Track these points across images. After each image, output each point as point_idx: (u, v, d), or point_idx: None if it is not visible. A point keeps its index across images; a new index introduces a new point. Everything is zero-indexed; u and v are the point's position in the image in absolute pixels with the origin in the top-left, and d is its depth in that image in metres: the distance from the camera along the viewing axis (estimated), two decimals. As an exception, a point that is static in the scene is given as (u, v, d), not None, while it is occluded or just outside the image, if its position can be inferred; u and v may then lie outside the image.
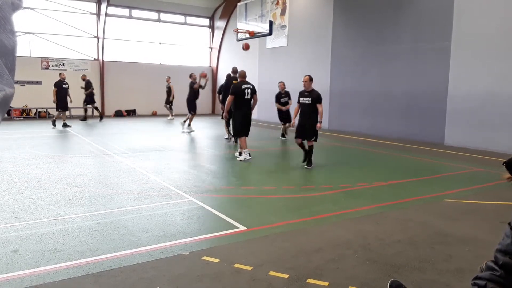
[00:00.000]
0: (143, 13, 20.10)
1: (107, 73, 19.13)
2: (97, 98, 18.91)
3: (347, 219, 4.61)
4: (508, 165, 1.89)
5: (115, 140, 10.92)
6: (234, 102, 8.14)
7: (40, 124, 15.04)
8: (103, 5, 18.31)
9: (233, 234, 4.06)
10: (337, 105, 14.48)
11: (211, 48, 22.41)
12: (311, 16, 15.61)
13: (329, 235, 4.05)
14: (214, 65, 22.15)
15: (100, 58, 18.97)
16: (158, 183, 6.04)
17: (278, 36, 17.04)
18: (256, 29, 12.95)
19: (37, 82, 17.56)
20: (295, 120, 7.87)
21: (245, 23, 13.53)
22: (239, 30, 13.30)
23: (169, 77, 17.35)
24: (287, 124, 11.37)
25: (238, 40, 14.07)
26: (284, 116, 11.48)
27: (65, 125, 13.59)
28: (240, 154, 8.30)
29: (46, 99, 16.91)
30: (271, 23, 12.53)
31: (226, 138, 11.10)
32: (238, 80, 8.48)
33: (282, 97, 11.55)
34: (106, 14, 18.45)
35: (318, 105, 7.28)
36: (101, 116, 16.77)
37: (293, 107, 9.14)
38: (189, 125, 12.99)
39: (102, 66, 18.97)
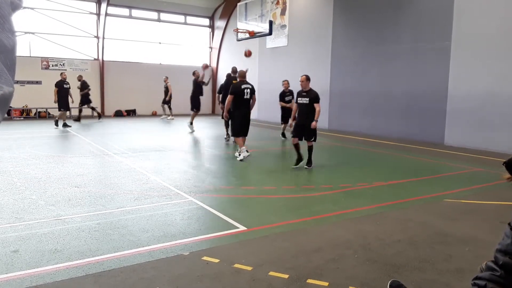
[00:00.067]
0: (143, 13, 20.10)
1: (107, 73, 19.13)
2: (97, 98, 18.95)
3: (347, 219, 4.61)
4: (508, 165, 1.89)
5: (115, 140, 10.92)
6: (233, 102, 8.16)
7: (40, 124, 15.04)
8: (103, 5, 18.31)
9: (233, 234, 4.06)
10: (337, 105, 14.48)
11: (211, 48, 22.41)
12: (311, 16, 15.61)
13: (329, 235, 4.05)
14: (214, 65, 22.14)
15: (100, 58, 18.96)
16: (158, 183, 6.04)
17: (278, 36, 17.04)
18: (256, 29, 12.94)
19: (37, 82, 17.56)
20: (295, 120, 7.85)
21: (245, 23, 13.53)
22: (239, 30, 13.30)
23: (167, 77, 17.37)
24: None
25: (238, 40, 14.07)
26: (287, 116, 11.48)
27: (65, 125, 13.59)
28: (239, 154, 8.32)
29: (46, 99, 16.92)
30: (271, 23, 12.52)
31: (225, 138, 11.10)
32: (238, 80, 8.50)
33: (286, 95, 11.55)
34: (106, 14, 18.44)
35: (315, 105, 7.25)
36: (99, 115, 16.81)
37: None
38: (191, 123, 12.95)
39: (102, 66, 18.97)
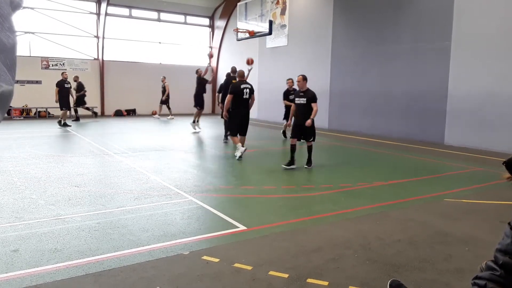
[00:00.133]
0: (143, 12, 20.09)
1: (107, 73, 19.12)
2: (97, 97, 18.97)
3: (347, 218, 4.61)
4: (508, 165, 1.89)
5: (115, 139, 10.92)
6: (233, 101, 8.21)
7: (40, 123, 15.04)
8: (103, 5, 18.30)
9: (233, 233, 4.06)
10: (337, 105, 14.48)
11: (211, 47, 22.39)
12: (311, 16, 15.61)
13: (329, 235, 4.05)
14: (214, 64, 22.13)
15: (100, 57, 18.96)
16: (158, 183, 6.04)
17: (278, 36, 17.04)
18: (256, 29, 12.94)
19: (37, 82, 17.56)
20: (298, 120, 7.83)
21: (245, 23, 13.53)
22: (239, 30, 13.30)
23: (165, 77, 17.35)
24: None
25: (238, 40, 14.07)
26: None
27: (65, 124, 13.60)
28: (239, 152, 8.34)
29: (46, 99, 16.92)
30: (271, 22, 12.52)
31: (224, 141, 11.08)
32: (237, 79, 8.53)
33: (290, 94, 11.52)
34: (106, 14, 18.44)
35: (313, 104, 7.22)
36: (95, 114, 16.89)
37: None
38: (193, 121, 12.91)
39: (102, 66, 18.97)
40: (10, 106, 16.07)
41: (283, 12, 17.00)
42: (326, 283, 3.02)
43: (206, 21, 22.21)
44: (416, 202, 5.37)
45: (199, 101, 12.75)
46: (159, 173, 6.71)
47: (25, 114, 17.55)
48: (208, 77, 12.80)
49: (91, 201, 5.04)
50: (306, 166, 7.44)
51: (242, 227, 4.20)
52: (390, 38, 12.39)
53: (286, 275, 3.12)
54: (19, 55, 0.68)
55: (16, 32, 0.66)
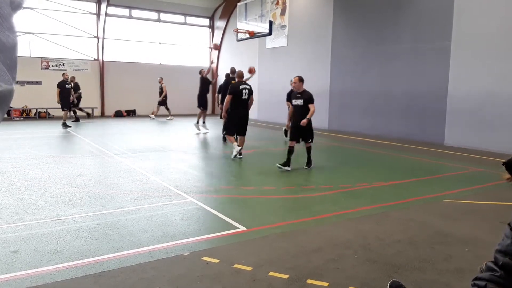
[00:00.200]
0: (143, 13, 20.10)
1: (107, 73, 19.13)
2: (97, 98, 18.98)
3: (347, 219, 4.61)
4: (508, 166, 1.88)
5: (114, 140, 10.92)
6: (232, 102, 8.23)
7: (40, 124, 15.04)
8: (103, 5, 18.31)
9: (233, 234, 4.06)
10: (337, 105, 14.48)
11: (211, 48, 22.40)
12: (311, 16, 15.62)
13: (329, 235, 4.05)
14: (214, 65, 22.14)
15: (100, 58, 18.97)
16: (158, 184, 6.04)
17: (278, 36, 17.04)
18: (256, 29, 12.94)
19: (37, 82, 17.56)
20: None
21: (245, 23, 13.53)
22: (239, 30, 13.30)
23: (162, 78, 17.32)
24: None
25: (238, 40, 14.08)
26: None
27: (65, 125, 13.61)
28: (240, 154, 8.36)
29: (46, 99, 16.92)
30: (271, 23, 12.53)
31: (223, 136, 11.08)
32: (236, 80, 8.56)
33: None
34: (106, 14, 18.45)
35: (310, 105, 7.18)
36: (88, 114, 16.96)
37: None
38: (197, 122, 12.91)
39: (102, 66, 18.97)
40: (10, 107, 16.04)
41: (283, 13, 17.00)
42: (326, 283, 3.02)
43: (206, 21, 22.22)
44: (416, 202, 5.37)
45: (202, 102, 12.73)
46: (159, 174, 6.71)
47: (25, 114, 17.56)
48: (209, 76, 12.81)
49: (91, 202, 5.04)
50: (306, 167, 7.44)
51: (242, 228, 4.20)
52: (390, 38, 12.40)
53: (286, 276, 3.12)
54: (19, 55, 0.68)
55: (16, 32, 0.66)
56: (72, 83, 15.50)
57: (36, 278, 3.04)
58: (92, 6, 18.92)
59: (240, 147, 8.24)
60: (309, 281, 3.05)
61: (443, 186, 6.32)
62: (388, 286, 2.81)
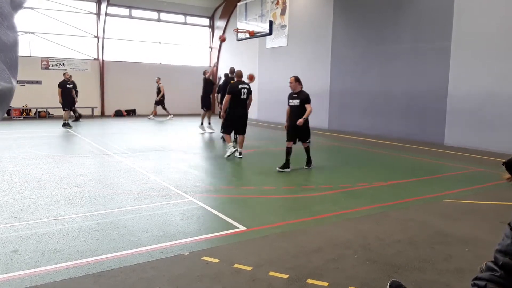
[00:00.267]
0: (143, 12, 20.10)
1: (107, 73, 19.13)
2: (97, 98, 18.97)
3: (347, 219, 4.61)
4: (508, 165, 1.88)
5: (115, 140, 10.92)
6: (230, 101, 8.25)
7: (40, 124, 15.04)
8: (103, 5, 18.31)
9: (233, 234, 4.06)
10: (337, 105, 14.47)
11: (211, 48, 22.41)
12: (311, 16, 15.62)
13: (329, 235, 4.05)
14: (215, 68, 22.14)
15: (100, 57, 18.96)
16: (158, 183, 6.04)
17: (278, 36, 17.04)
18: (256, 29, 12.94)
19: (37, 82, 17.56)
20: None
21: (245, 23, 13.53)
22: (239, 30, 13.30)
23: (159, 78, 17.29)
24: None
25: (238, 40, 14.07)
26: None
27: (65, 124, 13.61)
28: (240, 153, 8.37)
29: (46, 99, 16.93)
30: (271, 23, 12.52)
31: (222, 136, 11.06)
32: (235, 79, 8.58)
33: None
34: (106, 14, 18.44)
35: (306, 105, 7.12)
36: (79, 116, 16.94)
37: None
38: (201, 124, 12.91)
39: (102, 66, 18.97)
40: (10, 106, 16.07)
41: (283, 13, 17.00)
42: (326, 283, 3.02)
43: (206, 21, 22.21)
44: (416, 202, 5.37)
45: (205, 103, 12.72)
46: (159, 174, 6.71)
47: (25, 114, 17.55)
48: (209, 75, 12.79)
49: (91, 202, 5.04)
50: (306, 167, 7.44)
51: (242, 228, 4.20)
52: (390, 38, 12.39)
53: (286, 276, 3.12)
54: (19, 55, 0.68)
55: (16, 30, 0.66)
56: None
57: (36, 277, 3.04)
58: (92, 6, 18.91)
59: (235, 150, 8.29)
60: (309, 281, 3.05)
61: (443, 186, 6.32)
62: (388, 286, 2.81)
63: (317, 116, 12.91)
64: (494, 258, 1.87)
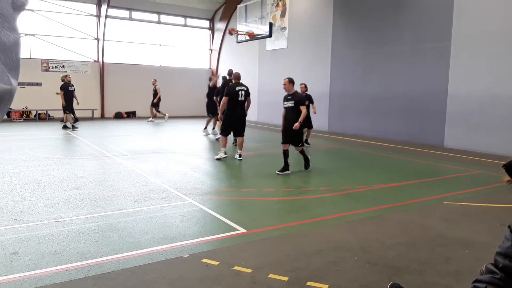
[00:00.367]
0: (143, 15, 20.13)
1: (107, 75, 19.15)
2: (97, 100, 18.98)
3: (347, 221, 4.60)
4: (508, 168, 1.88)
5: (114, 142, 10.92)
6: (228, 103, 8.27)
7: (40, 126, 15.04)
8: (103, 7, 18.34)
9: (233, 236, 4.05)
10: (337, 107, 14.48)
11: (211, 50, 22.43)
12: (311, 18, 15.64)
13: (329, 238, 4.04)
14: (214, 67, 22.17)
15: (100, 60, 18.99)
16: (158, 185, 6.04)
17: (278, 38, 17.06)
18: (256, 31, 12.96)
19: (37, 84, 17.58)
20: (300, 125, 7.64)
21: (245, 25, 13.56)
22: (238, 32, 13.31)
23: (155, 80, 17.24)
24: (305, 129, 10.02)
25: (238, 42, 14.10)
26: (305, 121, 10.44)
27: (65, 127, 13.62)
28: (240, 156, 8.38)
29: (46, 101, 16.94)
30: (271, 25, 12.56)
31: (217, 139, 11.06)
32: (233, 81, 8.60)
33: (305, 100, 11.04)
34: (106, 16, 18.48)
35: (301, 107, 7.08)
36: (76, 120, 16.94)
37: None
38: (205, 128, 12.90)
39: (102, 68, 18.99)
40: (10, 108, 16.07)
41: (283, 15, 17.03)
42: (326, 286, 3.01)
43: (206, 23, 22.25)
44: (416, 205, 5.37)
45: (210, 109, 12.70)
46: (159, 176, 6.71)
47: (25, 116, 17.56)
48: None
49: (90, 204, 5.04)
50: (305, 169, 7.42)
51: (242, 230, 4.19)
52: (390, 39, 12.41)
53: (286, 278, 3.12)
54: (20, 57, 0.68)
55: (17, 31, 0.66)
56: (63, 82, 15.49)
57: (36, 280, 3.04)
58: (93, 8, 18.94)
59: (225, 156, 8.33)
60: (309, 283, 3.05)
61: (443, 188, 6.31)
62: (388, 289, 2.80)
63: (317, 118, 12.90)
64: (494, 260, 1.87)
